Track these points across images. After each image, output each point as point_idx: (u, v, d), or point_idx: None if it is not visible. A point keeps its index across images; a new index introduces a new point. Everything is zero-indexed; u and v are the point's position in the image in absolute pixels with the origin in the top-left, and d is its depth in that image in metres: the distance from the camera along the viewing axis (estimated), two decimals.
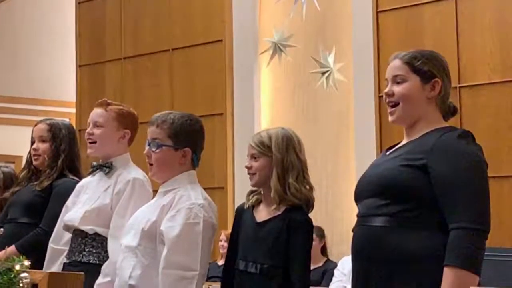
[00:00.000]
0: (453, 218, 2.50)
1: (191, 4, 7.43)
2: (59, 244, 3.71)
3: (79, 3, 8.26)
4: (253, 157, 3.12)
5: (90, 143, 3.66)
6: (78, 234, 3.55)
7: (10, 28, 9.98)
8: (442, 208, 2.53)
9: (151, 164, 3.14)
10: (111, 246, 3.39)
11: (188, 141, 3.12)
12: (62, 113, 8.88)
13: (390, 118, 2.76)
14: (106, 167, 3.62)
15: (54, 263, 3.68)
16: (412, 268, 2.53)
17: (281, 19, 6.69)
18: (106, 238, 3.47)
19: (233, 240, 3.20)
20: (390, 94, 2.73)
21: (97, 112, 3.67)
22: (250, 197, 3.19)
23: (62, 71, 9.47)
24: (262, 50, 6.79)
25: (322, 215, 6.34)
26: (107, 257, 3.40)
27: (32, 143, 4.06)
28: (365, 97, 6.26)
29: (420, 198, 2.57)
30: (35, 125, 4.10)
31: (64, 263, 3.61)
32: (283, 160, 3.06)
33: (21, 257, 2.74)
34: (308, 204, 3.09)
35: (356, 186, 2.79)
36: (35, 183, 3.98)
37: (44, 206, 3.89)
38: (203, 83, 7.25)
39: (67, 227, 3.62)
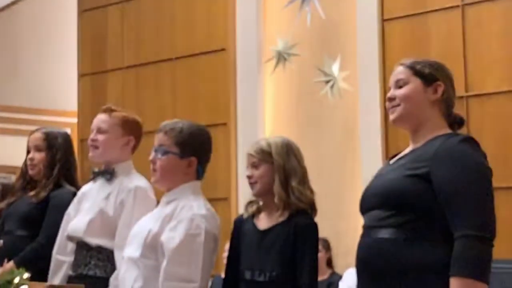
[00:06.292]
0: (457, 226, 2.44)
1: (193, 13, 7.38)
2: (63, 254, 3.66)
3: (80, 12, 8.24)
4: (253, 165, 3.08)
5: (93, 148, 3.60)
6: (82, 247, 3.50)
7: (11, 37, 9.96)
8: (446, 215, 2.48)
9: (154, 171, 3.10)
10: (118, 257, 3.34)
11: (194, 151, 3.09)
12: (64, 123, 8.82)
13: (391, 117, 2.73)
14: (108, 173, 3.57)
15: (59, 273, 3.63)
16: (420, 279, 2.48)
17: (285, 28, 6.64)
18: (112, 251, 3.42)
19: (232, 251, 3.15)
20: (392, 98, 2.72)
21: (101, 118, 3.64)
22: (249, 207, 3.14)
23: (64, 81, 9.44)
24: (266, 59, 6.75)
25: (327, 226, 6.25)
26: (114, 270, 3.35)
27: (28, 152, 4.01)
28: (370, 106, 6.19)
29: (426, 209, 2.52)
30: (31, 134, 4.05)
31: (70, 276, 3.56)
32: (284, 165, 3.02)
33: (20, 269, 2.72)
34: (312, 207, 3.06)
35: (361, 198, 2.76)
36: (31, 193, 3.93)
37: (41, 218, 3.85)
38: (206, 93, 7.20)
39: (70, 238, 3.58)
